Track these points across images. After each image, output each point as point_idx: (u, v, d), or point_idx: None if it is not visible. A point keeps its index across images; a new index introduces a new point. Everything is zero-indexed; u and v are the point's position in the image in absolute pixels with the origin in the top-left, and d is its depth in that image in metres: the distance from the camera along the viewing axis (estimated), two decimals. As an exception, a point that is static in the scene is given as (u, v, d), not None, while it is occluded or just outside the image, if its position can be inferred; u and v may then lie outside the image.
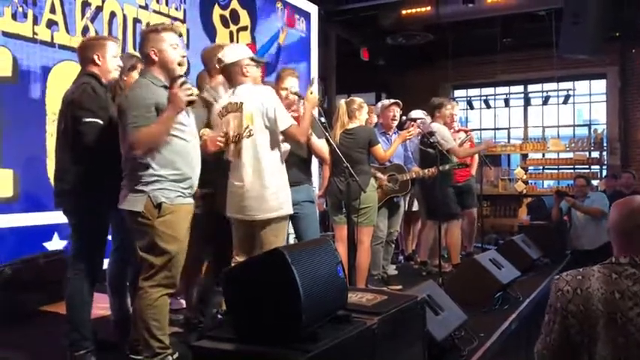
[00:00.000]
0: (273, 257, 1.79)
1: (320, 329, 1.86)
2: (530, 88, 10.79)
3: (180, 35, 2.93)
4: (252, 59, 3.20)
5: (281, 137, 3.19)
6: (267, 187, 3.09)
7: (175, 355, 2.71)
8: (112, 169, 2.85)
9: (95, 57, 2.99)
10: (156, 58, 2.72)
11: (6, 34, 4.09)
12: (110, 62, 3.02)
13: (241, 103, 3.12)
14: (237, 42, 6.17)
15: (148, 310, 2.65)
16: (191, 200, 2.81)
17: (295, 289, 1.73)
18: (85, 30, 4.62)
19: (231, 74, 3.19)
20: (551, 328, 1.83)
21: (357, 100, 4.54)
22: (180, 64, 2.77)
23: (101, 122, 2.88)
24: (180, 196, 2.71)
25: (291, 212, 3.22)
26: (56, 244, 4.28)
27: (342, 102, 4.56)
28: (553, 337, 1.82)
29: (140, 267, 2.76)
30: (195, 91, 2.86)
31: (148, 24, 5.09)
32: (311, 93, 3.33)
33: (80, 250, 2.98)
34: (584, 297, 1.77)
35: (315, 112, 3.52)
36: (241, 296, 1.84)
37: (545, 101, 10.23)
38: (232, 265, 3.22)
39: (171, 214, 2.66)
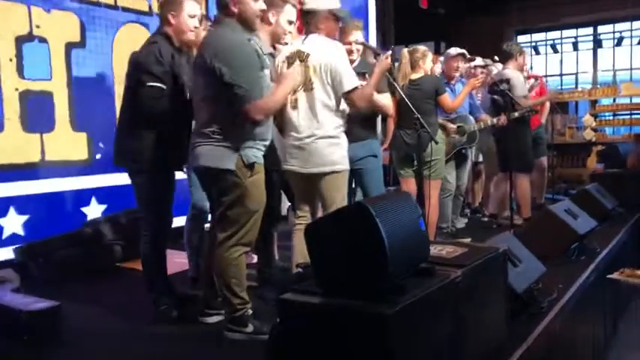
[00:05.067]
0: (358, 211, 1.77)
1: (405, 282, 1.84)
2: (601, 29, 10.17)
3: None
4: (331, 12, 3.09)
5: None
6: (325, 141, 3.05)
7: (250, 311, 2.77)
8: (176, 130, 2.87)
9: (170, 15, 2.93)
10: (235, 10, 2.60)
11: (73, 0, 4.15)
12: (185, 22, 2.93)
13: (308, 55, 3.06)
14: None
15: (228, 269, 2.68)
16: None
17: (381, 242, 1.70)
18: (147, -9, 4.64)
19: (307, 23, 3.12)
20: None
21: (421, 48, 4.39)
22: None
23: (164, 87, 2.86)
24: (264, 155, 2.71)
25: (348, 167, 3.17)
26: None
27: (404, 51, 4.42)
28: None
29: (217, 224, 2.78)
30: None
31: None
32: (387, 58, 3.18)
33: (147, 210, 3.04)
34: None
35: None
36: (325, 250, 1.83)
37: (619, 42, 9.63)
38: (295, 219, 3.24)
39: (259, 174, 2.67)
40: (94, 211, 4.32)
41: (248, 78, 2.52)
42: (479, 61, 5.47)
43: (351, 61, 3.53)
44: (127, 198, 4.32)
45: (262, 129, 2.68)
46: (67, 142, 4.18)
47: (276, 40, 3.23)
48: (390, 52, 3.32)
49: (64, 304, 2.90)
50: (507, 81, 4.81)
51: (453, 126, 4.66)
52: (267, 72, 2.69)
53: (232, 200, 2.64)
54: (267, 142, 2.76)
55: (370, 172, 3.66)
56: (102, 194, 4.37)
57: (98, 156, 4.33)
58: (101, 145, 4.31)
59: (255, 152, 2.65)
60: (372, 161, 3.68)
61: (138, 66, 2.92)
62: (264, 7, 2.70)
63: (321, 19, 3.07)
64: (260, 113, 2.57)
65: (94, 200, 4.34)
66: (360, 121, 3.56)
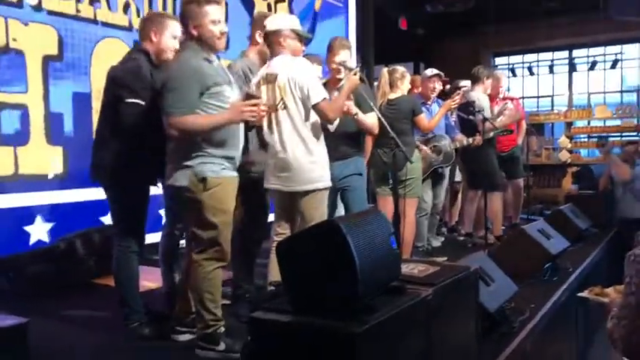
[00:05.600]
0: (328, 228, 1.78)
1: (375, 300, 1.85)
2: (576, 53, 10.42)
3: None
4: (293, 31, 3.12)
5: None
6: (305, 159, 3.07)
7: (223, 329, 2.75)
8: (151, 146, 2.87)
9: (152, 33, 2.95)
10: (195, 33, 2.67)
11: (51, 13, 4.14)
12: (166, 41, 2.95)
13: (276, 75, 3.08)
14: (275, 13, 6.10)
15: (202, 282, 2.68)
16: (236, 174, 2.81)
17: (351, 260, 1.71)
18: (127, 6, 4.65)
19: (271, 43, 3.14)
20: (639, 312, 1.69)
21: (400, 69, 4.45)
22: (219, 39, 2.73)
23: (142, 103, 2.86)
24: (225, 169, 2.71)
25: (329, 185, 3.18)
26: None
27: (384, 71, 4.47)
28: None
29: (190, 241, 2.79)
30: (263, 114, 2.85)
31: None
32: (355, 74, 3.21)
33: (120, 225, 3.03)
34: None
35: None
36: (296, 268, 1.83)
37: (592, 66, 9.87)
38: (275, 236, 3.24)
39: (218, 187, 2.67)
40: (68, 226, 4.26)
41: (175, 94, 2.57)
42: (465, 82, 5.58)
43: (339, 80, 3.57)
44: (100, 213, 4.35)
45: (221, 144, 2.68)
46: (42, 156, 4.14)
47: (264, 59, 3.28)
48: (358, 67, 3.35)
49: (35, 320, 2.84)
50: (472, 103, 4.92)
51: (426, 148, 4.71)
52: (223, 89, 2.69)
53: (193, 216, 2.69)
54: (234, 157, 2.76)
55: (354, 190, 3.68)
56: (78, 209, 4.32)
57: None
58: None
59: (212, 167, 2.66)
60: (358, 179, 3.71)
61: (117, 81, 2.92)
62: (225, 29, 2.74)
63: (284, 38, 3.09)
64: (173, 128, 2.59)
65: (67, 215, 4.29)
66: (345, 139, 3.59)
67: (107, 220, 4.32)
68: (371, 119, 3.62)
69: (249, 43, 3.53)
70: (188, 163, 2.64)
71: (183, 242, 3.20)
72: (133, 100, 2.84)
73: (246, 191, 3.17)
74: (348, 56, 3.61)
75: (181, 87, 2.58)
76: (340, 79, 3.56)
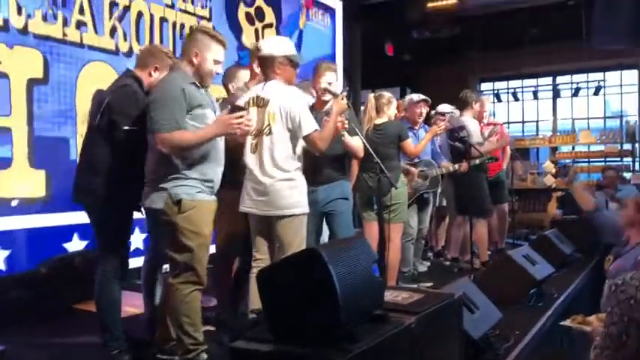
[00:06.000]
0: (310, 256, 1.77)
1: (358, 329, 1.83)
2: (559, 79, 10.58)
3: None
4: (287, 57, 3.14)
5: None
6: (283, 185, 3.06)
7: (205, 355, 2.71)
8: (138, 170, 2.86)
9: (152, 68, 3.02)
10: (195, 62, 2.74)
11: (37, 36, 4.13)
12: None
13: (268, 100, 3.09)
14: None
15: (179, 306, 2.67)
16: (213, 197, 2.81)
17: (333, 288, 1.70)
18: (113, 30, 4.65)
19: (265, 67, 3.16)
20: (624, 342, 1.68)
21: (386, 94, 4.48)
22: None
23: (137, 129, 2.87)
24: (201, 192, 2.71)
25: (307, 210, 3.17)
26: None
27: (370, 96, 4.51)
28: (628, 353, 1.67)
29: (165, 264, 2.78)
30: (252, 128, 2.92)
31: (174, 23, 5.13)
32: (342, 99, 3.23)
33: (103, 249, 3.00)
34: None
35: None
36: (277, 296, 1.82)
37: (576, 93, 10.02)
38: (253, 262, 3.22)
39: (193, 210, 2.67)
40: (49, 250, 4.20)
41: (162, 112, 2.60)
42: (446, 107, 5.62)
43: (325, 102, 3.59)
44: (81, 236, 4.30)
45: (198, 167, 2.69)
46: (25, 180, 4.10)
47: None
48: (345, 92, 3.38)
49: (14, 347, 2.79)
50: (463, 128, 4.96)
51: (415, 171, 4.73)
52: (206, 112, 2.74)
53: (169, 239, 2.70)
54: (212, 180, 2.77)
55: (340, 215, 3.66)
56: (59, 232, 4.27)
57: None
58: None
59: (188, 190, 2.66)
60: (343, 203, 3.69)
61: (113, 107, 2.91)
62: (220, 71, 2.90)
63: (278, 64, 3.11)
64: (162, 144, 2.62)
65: (52, 239, 4.23)
66: (330, 162, 3.59)
67: (71, 246, 4.31)
68: (357, 142, 3.64)
69: (249, 75, 3.56)
70: (164, 185, 2.66)
71: (167, 266, 3.17)
72: (131, 128, 2.86)
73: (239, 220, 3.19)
74: (334, 78, 3.63)
75: (168, 104, 2.61)
76: (326, 102, 3.58)
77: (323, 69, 3.63)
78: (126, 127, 2.85)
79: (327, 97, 3.58)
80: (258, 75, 3.42)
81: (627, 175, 8.94)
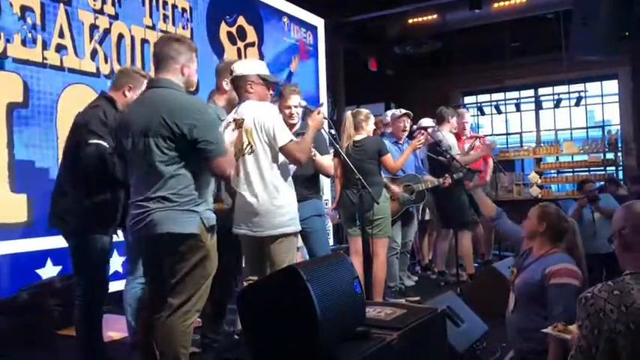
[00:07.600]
0: (288, 275, 1.76)
1: (338, 347, 1.82)
2: (541, 91, 10.70)
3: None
4: (259, 76, 3.14)
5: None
6: (273, 203, 3.04)
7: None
8: (114, 193, 2.84)
9: (126, 88, 3.06)
10: (185, 73, 2.62)
11: (16, 60, 4.12)
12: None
13: (242, 120, 3.09)
14: (245, 58, 6.18)
15: (179, 337, 2.47)
16: None
17: (311, 307, 1.69)
18: (94, 53, 4.65)
19: (238, 88, 3.16)
20: (593, 356, 1.68)
21: (364, 111, 4.52)
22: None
23: (106, 145, 2.84)
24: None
25: (298, 229, 3.16)
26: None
27: (347, 113, 4.55)
28: None
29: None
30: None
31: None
32: (318, 113, 3.24)
33: (81, 274, 2.96)
34: (633, 313, 1.63)
35: (325, 125, 3.48)
36: (257, 316, 1.80)
37: (557, 104, 10.13)
38: (244, 282, 3.18)
39: (216, 236, 2.58)
40: (28, 276, 4.15)
41: (215, 134, 2.53)
42: (428, 121, 5.66)
43: (293, 125, 3.61)
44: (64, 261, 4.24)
45: (209, 191, 2.64)
46: (5, 204, 4.06)
47: (233, 106, 3.29)
48: (320, 106, 3.39)
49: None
50: (439, 142, 5.02)
51: (397, 188, 4.75)
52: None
53: (193, 264, 2.47)
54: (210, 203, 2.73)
55: (316, 232, 3.68)
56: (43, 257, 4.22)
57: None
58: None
59: (210, 214, 2.56)
60: (318, 220, 3.71)
61: (80, 126, 2.92)
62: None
63: (250, 83, 3.11)
64: (231, 166, 2.59)
65: (35, 263, 4.19)
66: (302, 182, 3.59)
67: (44, 273, 4.23)
68: (327, 161, 3.65)
69: (217, 90, 3.56)
70: (194, 208, 2.47)
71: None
72: (95, 141, 2.83)
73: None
74: (299, 99, 3.64)
75: (215, 124, 2.57)
76: (294, 124, 3.61)
77: (288, 92, 3.66)
78: (91, 141, 2.82)
79: (295, 120, 3.63)
80: (226, 92, 3.43)
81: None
